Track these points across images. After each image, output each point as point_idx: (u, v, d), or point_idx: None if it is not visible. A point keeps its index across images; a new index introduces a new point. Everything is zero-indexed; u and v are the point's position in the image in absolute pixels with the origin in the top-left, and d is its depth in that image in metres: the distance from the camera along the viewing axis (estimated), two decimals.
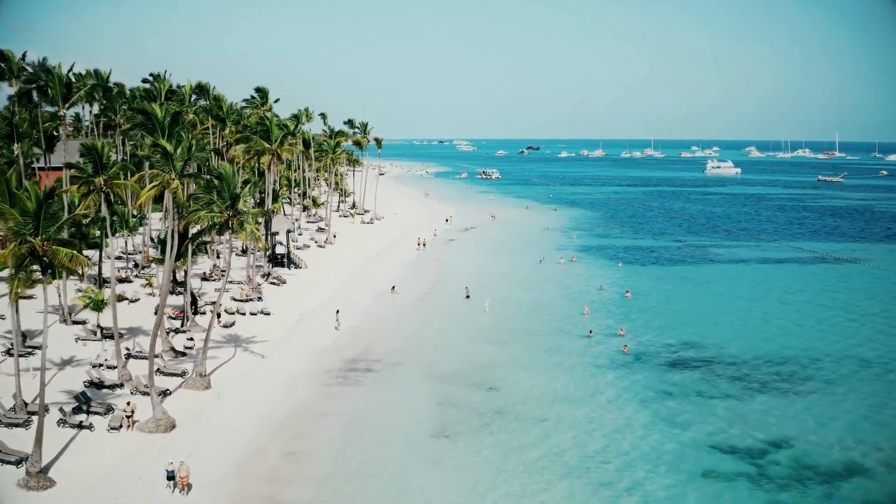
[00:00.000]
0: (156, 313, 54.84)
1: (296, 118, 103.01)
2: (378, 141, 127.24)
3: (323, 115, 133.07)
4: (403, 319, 57.94)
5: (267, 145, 58.37)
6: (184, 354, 46.15)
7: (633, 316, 59.91)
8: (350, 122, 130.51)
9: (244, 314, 56.00)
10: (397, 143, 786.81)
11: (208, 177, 41.26)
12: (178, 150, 35.69)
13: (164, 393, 39.32)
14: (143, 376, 40.16)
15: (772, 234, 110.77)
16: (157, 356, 44.70)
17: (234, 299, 59.64)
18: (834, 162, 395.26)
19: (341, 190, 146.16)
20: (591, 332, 53.64)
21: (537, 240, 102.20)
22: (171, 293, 59.22)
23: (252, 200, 74.04)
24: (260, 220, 55.17)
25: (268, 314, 56.27)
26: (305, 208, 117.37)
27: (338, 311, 55.54)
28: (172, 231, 40.07)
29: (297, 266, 74.09)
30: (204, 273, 67.32)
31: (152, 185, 35.73)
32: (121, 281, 63.50)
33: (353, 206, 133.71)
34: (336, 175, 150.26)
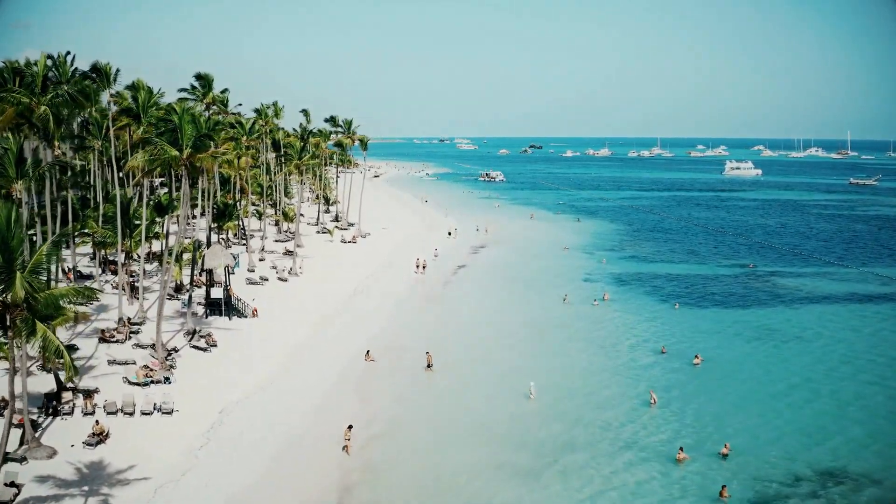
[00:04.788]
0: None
1: (258, 114, 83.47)
2: (363, 142, 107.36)
3: (305, 112, 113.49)
4: (381, 415, 38.42)
5: (174, 151, 38.89)
6: None
7: (720, 408, 40.43)
8: (332, 120, 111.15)
9: (131, 413, 36.45)
10: (397, 141, 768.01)
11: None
12: None
13: None
14: None
15: (837, 256, 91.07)
16: None
17: (128, 382, 40.14)
18: (852, 162, 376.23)
19: (325, 198, 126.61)
20: (680, 451, 33.96)
21: (557, 265, 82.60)
22: (48, 370, 39.80)
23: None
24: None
25: (169, 413, 36.72)
26: (277, 223, 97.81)
27: (350, 427, 34.71)
28: None
29: (240, 314, 54.56)
30: (102, 331, 47.73)
31: None
32: None
33: (337, 217, 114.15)
34: (321, 180, 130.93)
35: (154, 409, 36.85)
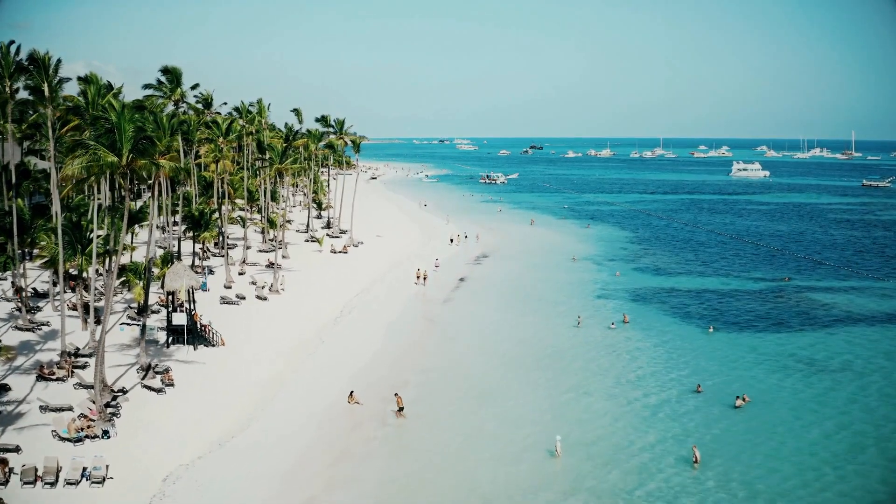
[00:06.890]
0: None
1: (238, 113, 76.22)
2: (356, 144, 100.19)
3: (296, 111, 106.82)
4: (368, 487, 31.15)
5: (111, 157, 31.78)
6: None
7: (777, 469, 33.26)
8: (324, 119, 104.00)
9: (53, 483, 29.28)
10: (397, 142, 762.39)
11: None
12: None
13: None
14: None
15: (867, 269, 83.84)
16: None
17: (59, 437, 32.98)
18: (859, 162, 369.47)
19: (317, 202, 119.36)
20: None
21: (566, 279, 75.35)
22: None
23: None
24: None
25: (100, 482, 29.52)
26: (262, 230, 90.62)
27: None
28: None
29: (207, 342, 47.36)
30: (42, 366, 40.62)
31: None
32: None
33: (329, 224, 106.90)
34: (312, 183, 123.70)
35: (82, 476, 29.66)
